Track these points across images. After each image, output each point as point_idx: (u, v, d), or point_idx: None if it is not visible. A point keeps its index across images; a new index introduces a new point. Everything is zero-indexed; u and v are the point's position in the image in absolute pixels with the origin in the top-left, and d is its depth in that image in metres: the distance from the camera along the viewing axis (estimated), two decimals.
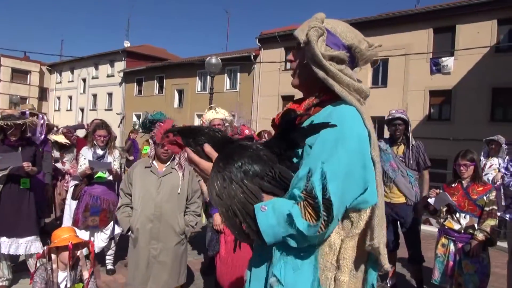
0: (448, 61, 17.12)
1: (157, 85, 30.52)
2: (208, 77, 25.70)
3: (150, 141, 3.47)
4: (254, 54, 23.49)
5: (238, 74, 24.76)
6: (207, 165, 1.27)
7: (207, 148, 1.28)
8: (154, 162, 3.44)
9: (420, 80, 17.72)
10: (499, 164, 6.75)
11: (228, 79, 25.35)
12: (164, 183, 3.38)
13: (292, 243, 1.14)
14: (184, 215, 3.45)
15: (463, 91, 16.60)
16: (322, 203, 1.10)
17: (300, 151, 1.26)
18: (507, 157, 6.74)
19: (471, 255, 3.48)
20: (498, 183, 5.29)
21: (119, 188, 3.57)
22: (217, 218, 3.75)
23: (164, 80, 29.72)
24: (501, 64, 15.63)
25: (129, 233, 3.38)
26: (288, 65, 19.13)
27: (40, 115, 5.47)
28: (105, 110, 33.74)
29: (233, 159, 1.20)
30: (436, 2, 21.04)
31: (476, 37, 16.21)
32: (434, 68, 17.54)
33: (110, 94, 34.25)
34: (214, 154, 1.27)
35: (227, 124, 5.17)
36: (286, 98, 22.43)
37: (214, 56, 12.76)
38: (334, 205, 1.10)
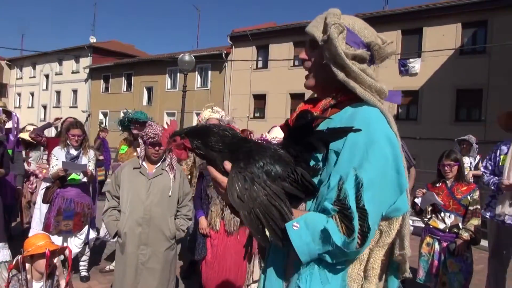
0: (415, 63, 17.62)
1: (125, 82, 29.75)
2: (178, 74, 25.87)
3: (140, 141, 3.30)
4: (225, 52, 23.34)
5: (209, 72, 24.52)
6: (224, 178, 1.16)
7: (228, 166, 1.16)
8: (143, 163, 3.30)
9: (389, 80, 18.12)
10: (470, 163, 6.96)
11: (199, 77, 25.06)
12: (154, 185, 3.23)
13: (329, 259, 1.07)
14: (175, 219, 3.32)
15: (430, 92, 17.13)
16: (356, 213, 1.03)
17: (320, 156, 1.20)
18: (478, 156, 6.97)
19: (456, 254, 3.52)
20: (470, 181, 5.42)
21: (106, 190, 3.40)
22: (203, 222, 3.62)
23: (133, 77, 29.00)
24: (465, 66, 16.24)
25: (116, 238, 3.22)
26: (260, 63, 19.15)
27: (14, 113, 5.10)
28: (70, 107, 32.55)
29: (254, 159, 1.13)
30: (405, 5, 21.55)
31: (442, 39, 16.76)
32: (402, 69, 17.99)
33: (75, 91, 33.10)
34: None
35: (224, 124, 5.03)
36: (258, 97, 22.45)
37: (187, 53, 12.50)
38: (369, 215, 1.04)
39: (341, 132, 1.12)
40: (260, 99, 22.40)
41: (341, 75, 1.23)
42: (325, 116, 1.27)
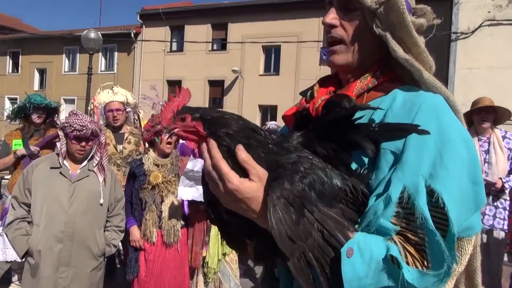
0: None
1: (11, 62, 26.77)
2: (78, 55, 23.92)
3: (60, 133, 2.76)
4: (134, 31, 22.19)
5: (116, 53, 23.15)
6: (248, 185, 0.86)
7: (243, 154, 0.87)
8: (64, 161, 2.81)
9: (311, 70, 18.68)
10: None
11: (103, 59, 23.50)
12: (79, 189, 2.78)
13: None
14: (104, 231, 2.90)
15: None
16: (439, 236, 0.81)
17: (359, 154, 0.96)
18: None
19: None
20: None
21: (12, 196, 2.87)
22: (135, 232, 3.18)
23: (20, 56, 26.19)
24: None
25: (26, 258, 2.70)
26: (175, 46, 18.42)
27: None
28: None
29: (297, 171, 0.85)
30: None
31: None
32: (324, 57, 18.64)
33: None
34: (255, 166, 0.87)
35: (129, 109, 4.47)
36: (172, 83, 21.67)
37: (92, 30, 11.45)
38: (451, 237, 0.82)
39: (401, 131, 0.90)
40: (175, 86, 21.68)
41: (400, 52, 1.01)
42: (367, 105, 1.02)
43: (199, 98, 20.50)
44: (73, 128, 2.74)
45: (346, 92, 1.06)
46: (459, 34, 11.21)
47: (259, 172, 0.86)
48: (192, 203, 3.21)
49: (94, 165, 2.90)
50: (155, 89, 3.40)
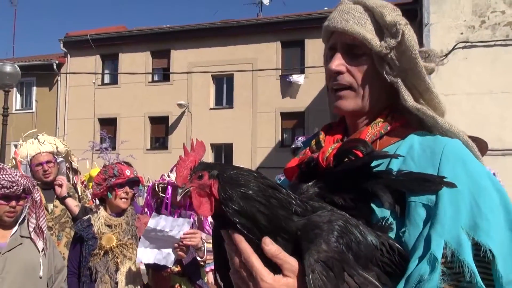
0: (299, 78, 18.86)
1: None
2: None
3: None
4: (57, 62, 21.94)
5: (34, 88, 22.73)
6: (284, 283, 0.90)
7: (272, 248, 0.90)
8: None
9: (270, 100, 19.08)
10: None
11: (19, 96, 22.85)
12: (11, 262, 2.71)
13: None
14: None
15: (316, 113, 18.53)
16: None
17: (386, 210, 1.03)
18: None
19: None
20: None
21: None
22: None
23: None
24: None
25: None
26: (107, 78, 18.27)
27: None
28: None
29: (333, 230, 0.90)
30: (282, 13, 23.25)
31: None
32: (285, 86, 19.13)
33: None
34: (287, 260, 0.91)
35: (60, 159, 4.38)
36: (105, 122, 21.35)
37: (8, 61, 11.22)
38: None
39: (430, 183, 0.98)
40: (108, 125, 21.33)
41: (411, 101, 1.12)
42: (385, 152, 1.09)
43: (139, 138, 20.27)
44: (0, 186, 2.67)
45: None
46: None
47: (293, 267, 0.90)
48: (155, 268, 3.15)
49: (31, 229, 2.84)
50: (105, 135, 3.39)
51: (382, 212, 1.02)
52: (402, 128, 1.15)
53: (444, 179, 0.97)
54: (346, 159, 1.03)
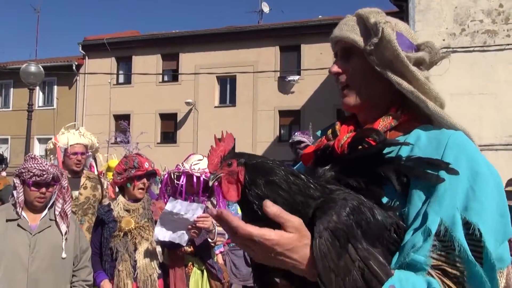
0: (296, 79, 18.88)
1: None
2: (12, 89, 23.02)
3: (16, 181, 2.67)
4: (76, 63, 21.85)
5: (55, 87, 22.61)
6: (287, 237, 0.89)
7: (273, 208, 0.89)
8: (23, 212, 2.71)
9: (269, 100, 19.09)
10: None
11: (41, 94, 22.78)
12: (41, 243, 2.69)
13: None
14: (71, 287, 2.82)
15: (311, 111, 18.52)
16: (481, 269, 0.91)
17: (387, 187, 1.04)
18: None
19: None
20: None
21: None
22: (107, 287, 3.06)
23: None
24: None
25: None
26: (122, 78, 18.25)
27: None
28: None
29: (345, 206, 0.91)
30: (281, 20, 23.17)
31: (320, 57, 18.37)
32: (282, 86, 19.15)
33: None
34: (289, 218, 0.90)
35: (89, 153, 4.39)
36: (120, 118, 21.27)
37: (32, 62, 11.19)
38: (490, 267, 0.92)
39: (432, 165, 0.98)
40: (122, 120, 21.33)
41: (405, 84, 1.12)
42: (396, 140, 1.10)
43: (150, 133, 20.21)
44: (31, 174, 2.68)
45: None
46: None
47: (295, 223, 0.90)
48: (170, 247, 3.16)
49: (57, 213, 2.82)
50: (126, 126, 3.38)
51: (392, 194, 1.03)
52: (411, 122, 1.16)
53: (448, 164, 0.97)
54: (360, 147, 1.04)
